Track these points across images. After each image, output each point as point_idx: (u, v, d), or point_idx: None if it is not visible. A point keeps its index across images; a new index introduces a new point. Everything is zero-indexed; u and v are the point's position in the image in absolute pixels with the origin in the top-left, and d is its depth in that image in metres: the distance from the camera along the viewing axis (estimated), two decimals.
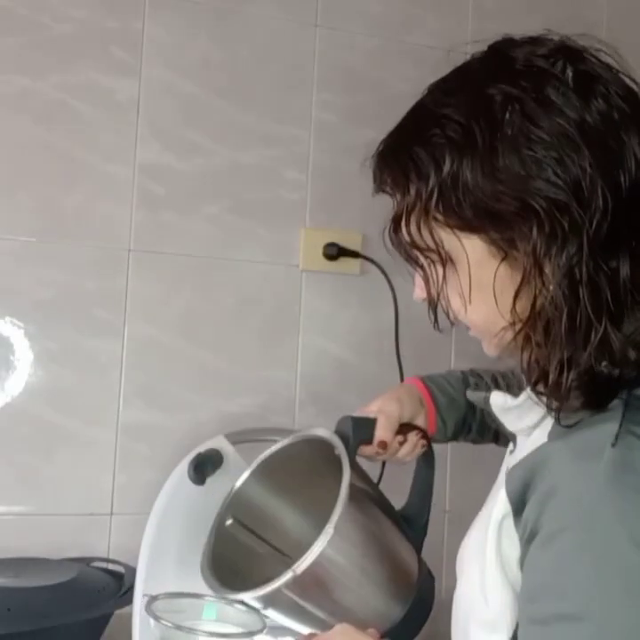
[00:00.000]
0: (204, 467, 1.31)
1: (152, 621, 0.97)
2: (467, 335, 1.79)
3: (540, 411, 0.78)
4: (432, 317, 0.86)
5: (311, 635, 0.93)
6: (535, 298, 0.73)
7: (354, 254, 1.61)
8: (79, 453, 1.48)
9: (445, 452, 1.66)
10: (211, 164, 1.57)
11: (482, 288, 0.77)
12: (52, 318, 1.48)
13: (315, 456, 1.05)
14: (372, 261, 1.61)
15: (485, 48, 0.83)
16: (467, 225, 0.75)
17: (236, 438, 1.36)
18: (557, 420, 0.74)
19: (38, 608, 1.17)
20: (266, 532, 1.07)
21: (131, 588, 1.25)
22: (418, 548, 1.03)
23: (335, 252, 1.60)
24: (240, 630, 1.00)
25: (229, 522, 1.06)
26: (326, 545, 0.89)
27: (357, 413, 1.09)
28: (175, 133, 1.55)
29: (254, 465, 1.10)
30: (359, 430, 1.02)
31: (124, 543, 1.46)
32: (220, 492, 1.30)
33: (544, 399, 0.75)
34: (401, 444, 1.08)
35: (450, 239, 0.77)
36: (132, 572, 1.29)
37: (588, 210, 0.70)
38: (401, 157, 0.80)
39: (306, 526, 1.07)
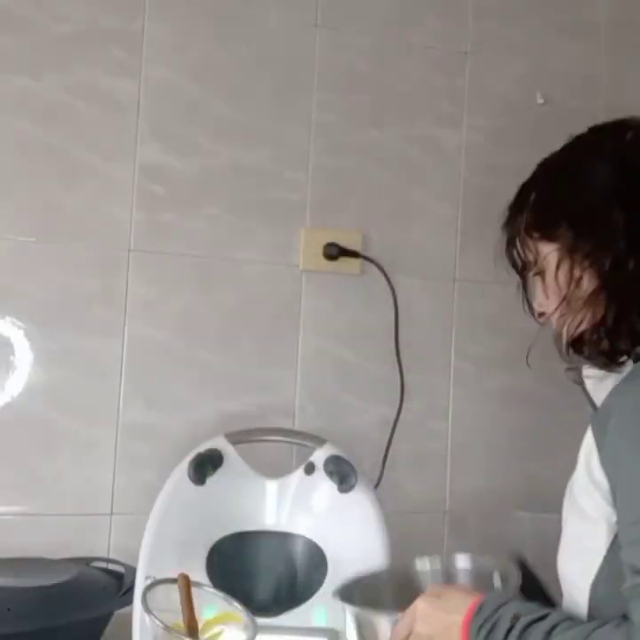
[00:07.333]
0: (204, 467, 1.31)
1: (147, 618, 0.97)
2: (467, 336, 1.81)
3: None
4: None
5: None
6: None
7: (354, 254, 1.61)
8: (79, 453, 1.48)
9: (445, 452, 1.66)
10: (211, 163, 1.57)
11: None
12: (51, 318, 1.48)
13: None
14: (372, 261, 1.62)
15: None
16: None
17: (236, 438, 1.36)
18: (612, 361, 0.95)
19: (38, 608, 1.17)
20: None
21: (131, 588, 1.25)
22: None
23: (335, 252, 1.60)
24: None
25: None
26: None
27: None
28: (175, 133, 1.55)
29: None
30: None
31: (123, 543, 1.46)
32: (220, 491, 1.31)
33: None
34: None
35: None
36: (132, 571, 1.29)
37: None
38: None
39: None
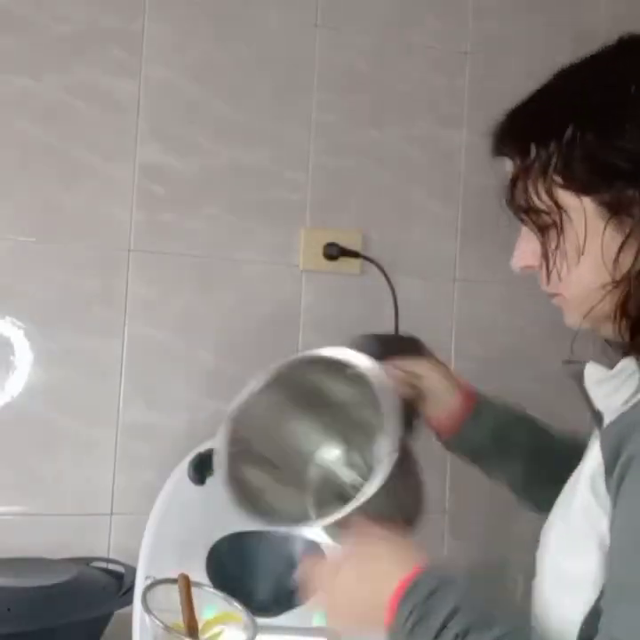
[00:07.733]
0: (204, 467, 1.31)
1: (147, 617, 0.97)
2: (467, 336, 1.80)
3: (633, 384, 0.78)
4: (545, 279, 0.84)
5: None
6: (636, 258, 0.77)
7: (354, 254, 1.61)
8: (79, 453, 1.48)
9: (445, 451, 1.65)
10: (211, 163, 1.57)
11: (588, 248, 0.79)
12: (51, 318, 1.48)
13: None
14: (372, 261, 1.62)
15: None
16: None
17: None
18: None
19: (38, 608, 1.17)
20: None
21: (131, 588, 1.25)
22: None
23: (335, 252, 1.60)
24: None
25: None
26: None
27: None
28: (175, 133, 1.55)
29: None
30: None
31: (123, 543, 1.46)
32: (220, 491, 1.31)
33: None
34: None
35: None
36: (132, 571, 1.29)
37: None
38: None
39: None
